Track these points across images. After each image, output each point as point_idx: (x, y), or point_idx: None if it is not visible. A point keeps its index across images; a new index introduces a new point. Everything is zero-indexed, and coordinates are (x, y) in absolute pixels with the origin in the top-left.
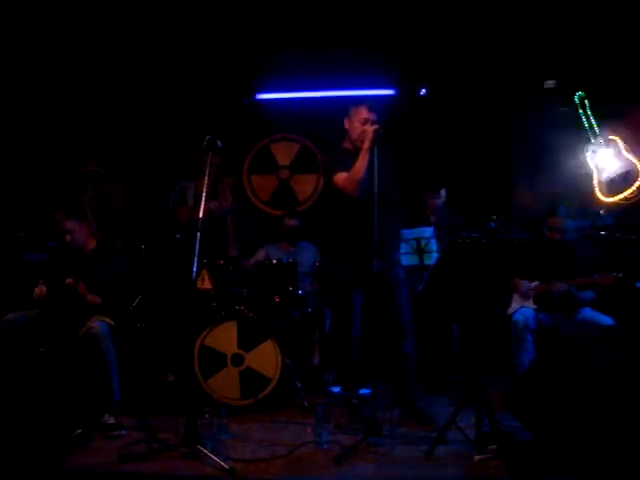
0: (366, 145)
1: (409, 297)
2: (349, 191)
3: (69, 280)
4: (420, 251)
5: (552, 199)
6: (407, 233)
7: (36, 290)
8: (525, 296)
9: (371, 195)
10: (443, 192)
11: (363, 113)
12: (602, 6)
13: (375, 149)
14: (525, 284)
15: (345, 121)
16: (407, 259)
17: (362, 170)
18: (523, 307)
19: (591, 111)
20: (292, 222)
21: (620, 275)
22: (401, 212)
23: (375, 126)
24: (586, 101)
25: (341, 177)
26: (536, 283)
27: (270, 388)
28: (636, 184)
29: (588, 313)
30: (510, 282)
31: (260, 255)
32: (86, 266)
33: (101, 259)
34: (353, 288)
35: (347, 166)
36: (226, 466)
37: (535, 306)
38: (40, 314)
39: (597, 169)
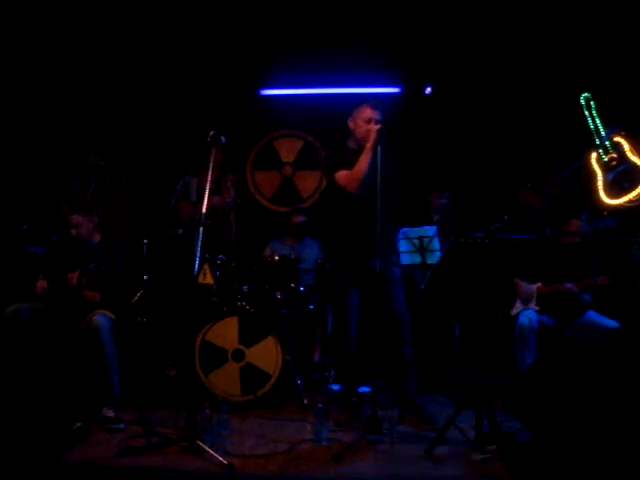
0: (369, 144)
1: (406, 296)
2: (350, 189)
3: (70, 276)
4: (423, 250)
5: (573, 202)
6: (410, 232)
7: (38, 285)
8: (526, 299)
9: (371, 194)
10: (447, 193)
11: (367, 112)
12: (608, 5)
13: (378, 149)
14: (526, 286)
15: (349, 121)
16: (410, 258)
17: (364, 168)
18: (526, 309)
19: (597, 112)
20: (299, 218)
21: (615, 278)
22: (398, 212)
23: (378, 126)
24: (592, 102)
25: (342, 174)
26: (538, 284)
27: (270, 384)
28: None
29: (592, 315)
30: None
31: (267, 252)
32: (90, 260)
33: (104, 253)
34: (350, 286)
35: (350, 164)
36: (225, 461)
37: (538, 307)
38: (43, 307)
39: (602, 171)
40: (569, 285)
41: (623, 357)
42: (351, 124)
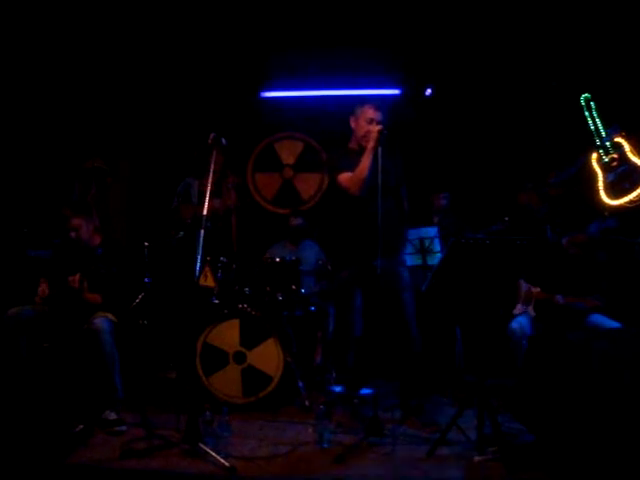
0: (370, 145)
1: (413, 297)
2: (352, 191)
3: (71, 279)
4: (424, 251)
5: (575, 208)
6: (411, 233)
7: (39, 291)
8: (526, 300)
9: (374, 195)
10: (448, 194)
11: (369, 112)
12: (608, 5)
13: (379, 149)
14: (525, 286)
15: (351, 120)
16: (411, 259)
17: (366, 170)
18: (524, 313)
19: (597, 113)
20: (296, 221)
21: (601, 304)
22: (405, 211)
23: (379, 126)
24: (592, 103)
25: (345, 177)
26: (537, 289)
27: (272, 387)
28: None
29: (596, 318)
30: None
31: (268, 255)
32: (91, 262)
33: (105, 255)
34: (353, 287)
35: (352, 166)
36: (227, 464)
37: (534, 313)
38: (45, 310)
39: (602, 171)
40: (558, 297)
41: (625, 358)
42: (353, 122)
